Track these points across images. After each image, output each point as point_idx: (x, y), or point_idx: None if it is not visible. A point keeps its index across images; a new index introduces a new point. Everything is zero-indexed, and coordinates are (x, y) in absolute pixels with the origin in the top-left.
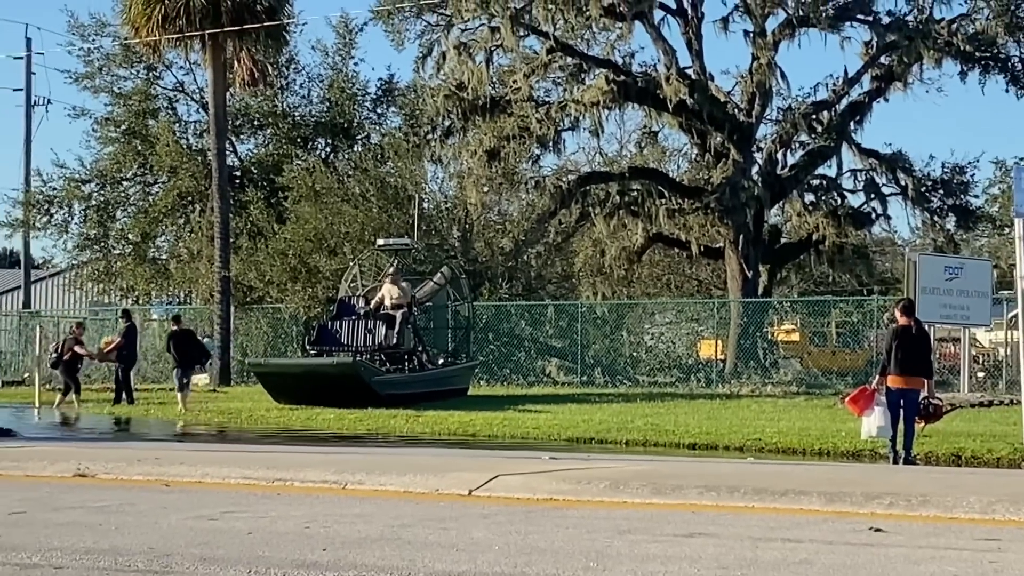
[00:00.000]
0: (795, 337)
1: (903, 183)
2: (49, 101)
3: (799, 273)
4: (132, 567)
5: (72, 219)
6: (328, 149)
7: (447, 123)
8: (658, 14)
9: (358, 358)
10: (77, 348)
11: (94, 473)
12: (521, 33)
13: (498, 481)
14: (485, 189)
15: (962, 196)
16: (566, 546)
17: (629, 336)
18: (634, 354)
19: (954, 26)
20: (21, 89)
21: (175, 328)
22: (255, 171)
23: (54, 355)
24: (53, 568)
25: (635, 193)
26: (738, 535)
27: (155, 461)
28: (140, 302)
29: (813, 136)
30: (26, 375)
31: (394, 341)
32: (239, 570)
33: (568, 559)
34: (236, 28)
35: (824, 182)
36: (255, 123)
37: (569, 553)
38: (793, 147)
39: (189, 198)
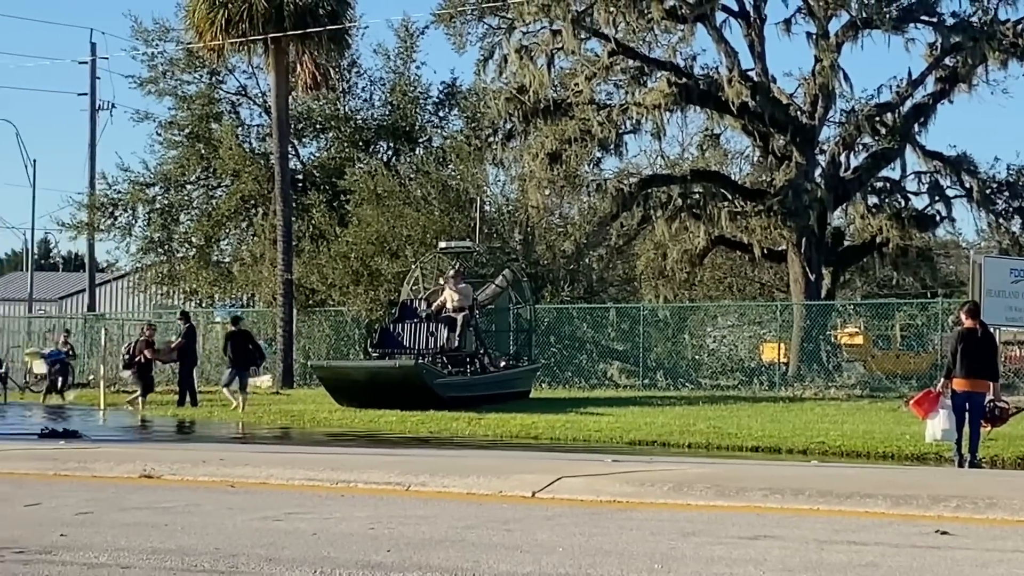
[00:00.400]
0: (859, 340)
1: (968, 185)
2: (113, 105)
3: (863, 276)
4: (198, 567)
5: (136, 222)
6: (390, 152)
7: (508, 126)
8: (720, 16)
9: (420, 361)
10: (147, 351)
11: (160, 474)
12: (582, 36)
13: (561, 483)
14: (547, 192)
15: None
16: (631, 548)
17: (691, 339)
18: (696, 357)
19: (1019, 27)
20: (86, 93)
21: (233, 329)
22: (317, 174)
23: (126, 356)
24: (120, 568)
25: (697, 196)
26: (803, 537)
27: (220, 462)
28: (203, 305)
29: (876, 138)
30: (91, 377)
31: (456, 344)
32: (304, 571)
33: (633, 561)
34: (299, 32)
35: (888, 184)
36: (317, 126)
37: (634, 555)
38: (856, 149)
39: (252, 201)
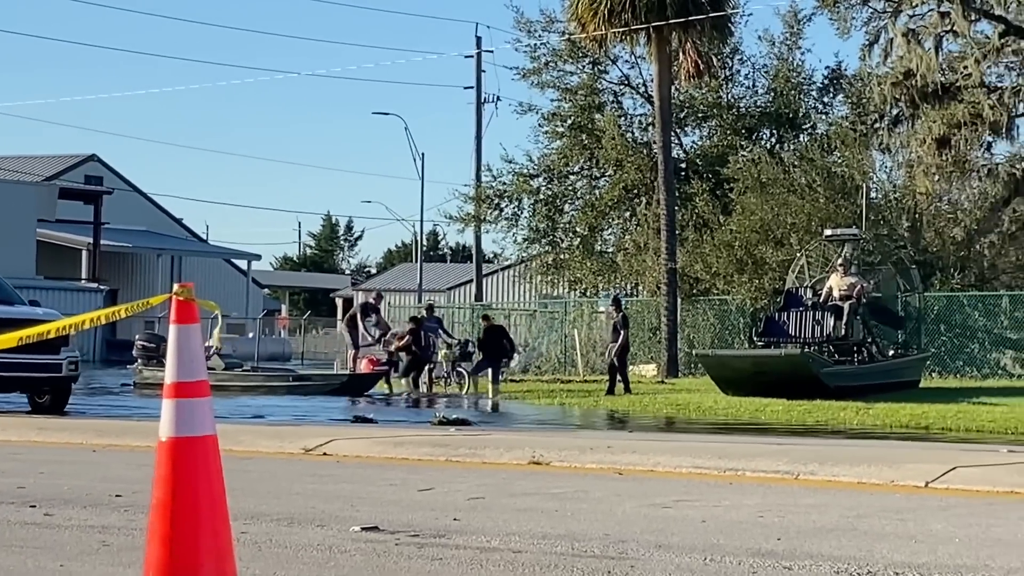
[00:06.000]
0: None
1: None
2: (498, 98)
3: None
4: (588, 552)
5: (521, 213)
6: (773, 140)
7: (895, 111)
8: None
9: (806, 350)
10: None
11: (548, 461)
12: (972, 17)
13: (955, 473)
14: (935, 178)
15: None
16: None
17: None
18: None
19: None
20: (472, 87)
21: (486, 324)
22: (700, 163)
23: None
24: (512, 552)
25: None
26: None
27: (607, 450)
28: (587, 294)
29: None
30: None
31: (843, 332)
32: (694, 557)
33: None
34: (681, 20)
35: None
36: (699, 115)
37: None
38: None
39: (635, 191)
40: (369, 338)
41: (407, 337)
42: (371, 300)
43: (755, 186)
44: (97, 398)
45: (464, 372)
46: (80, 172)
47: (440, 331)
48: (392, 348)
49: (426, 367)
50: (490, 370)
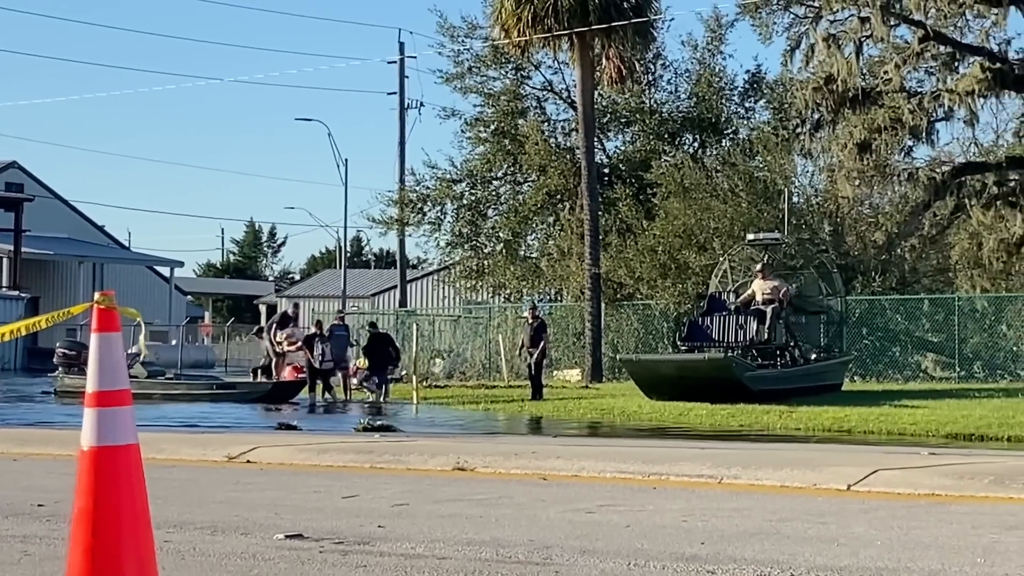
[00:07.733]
0: None
1: None
2: (422, 104)
3: None
4: (513, 558)
5: (444, 217)
6: (696, 144)
7: (816, 116)
8: None
9: (730, 354)
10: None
11: (473, 467)
12: (892, 22)
13: (877, 476)
14: (856, 182)
15: None
16: (951, 542)
17: (1009, 330)
18: (1015, 348)
19: None
20: (395, 93)
21: (373, 332)
22: (623, 168)
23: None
24: (437, 559)
25: (1013, 183)
26: None
27: (532, 455)
28: (511, 300)
29: None
30: (404, 372)
31: (765, 336)
32: (618, 562)
33: (954, 555)
34: (604, 26)
35: None
36: (622, 120)
37: (954, 548)
38: None
39: (558, 196)
40: (277, 347)
41: (299, 342)
42: (289, 312)
43: (678, 191)
44: (18, 406)
45: (375, 379)
46: (0, 179)
47: (351, 339)
48: (286, 350)
49: (338, 374)
50: (376, 378)
